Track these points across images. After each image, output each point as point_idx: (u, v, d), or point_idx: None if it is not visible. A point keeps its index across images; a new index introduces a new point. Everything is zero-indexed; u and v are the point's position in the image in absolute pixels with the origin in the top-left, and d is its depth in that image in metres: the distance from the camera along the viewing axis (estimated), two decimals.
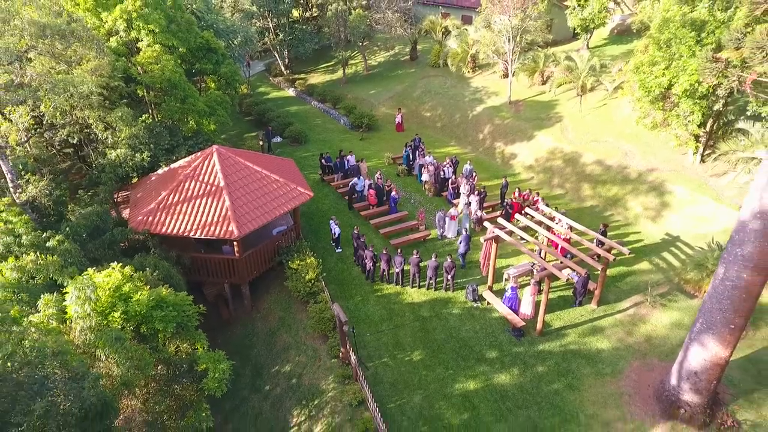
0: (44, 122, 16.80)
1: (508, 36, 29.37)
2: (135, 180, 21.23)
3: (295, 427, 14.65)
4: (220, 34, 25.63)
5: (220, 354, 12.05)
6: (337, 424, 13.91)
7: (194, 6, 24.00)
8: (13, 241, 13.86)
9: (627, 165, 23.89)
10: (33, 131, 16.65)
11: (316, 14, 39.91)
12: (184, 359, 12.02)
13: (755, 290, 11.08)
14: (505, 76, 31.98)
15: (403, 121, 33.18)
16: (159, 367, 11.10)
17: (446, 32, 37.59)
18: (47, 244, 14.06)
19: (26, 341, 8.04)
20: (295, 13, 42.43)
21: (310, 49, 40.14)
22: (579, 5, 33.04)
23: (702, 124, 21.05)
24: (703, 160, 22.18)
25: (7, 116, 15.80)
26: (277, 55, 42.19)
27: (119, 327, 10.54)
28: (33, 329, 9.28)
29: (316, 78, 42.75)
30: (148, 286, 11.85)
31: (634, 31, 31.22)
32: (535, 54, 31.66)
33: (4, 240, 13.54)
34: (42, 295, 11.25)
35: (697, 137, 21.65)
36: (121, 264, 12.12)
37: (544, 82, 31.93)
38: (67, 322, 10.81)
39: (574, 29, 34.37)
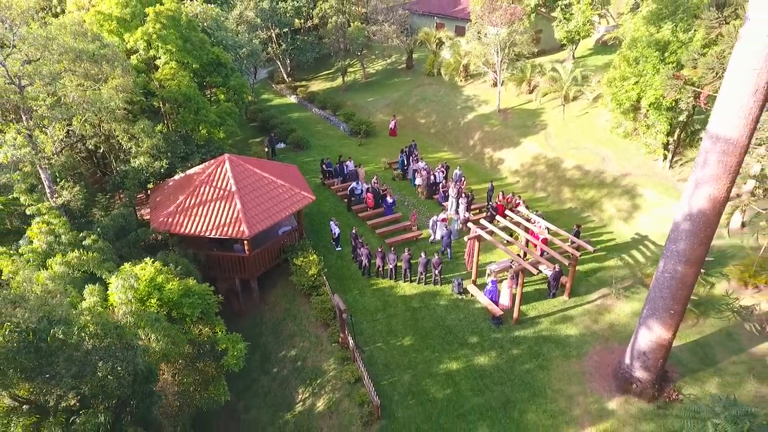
0: (75, 134, 18.79)
1: (496, 48, 31.45)
2: (150, 185, 23.29)
3: (300, 403, 16.74)
4: (228, 49, 27.69)
5: (237, 336, 14.15)
6: (337, 399, 15.99)
7: (205, 24, 26.05)
8: (54, 240, 15.91)
9: (604, 170, 25.98)
10: (65, 143, 18.66)
11: (317, 22, 41.86)
12: (206, 341, 14.08)
13: (689, 280, 13.14)
14: (495, 85, 34.05)
15: (396, 127, 35.23)
16: (186, 346, 13.14)
17: (440, 43, 39.67)
18: (83, 243, 16.10)
19: (88, 318, 10.06)
20: (297, 23, 44.45)
21: (311, 58, 42.23)
22: (565, 18, 35.20)
23: (670, 134, 23.15)
24: (671, 166, 24.26)
25: (43, 130, 17.84)
26: (279, 64, 44.27)
27: (155, 311, 12.59)
28: (86, 312, 11.33)
29: (317, 85, 44.84)
30: (177, 278, 13.93)
31: (609, 45, 33.31)
32: (522, 65, 33.72)
33: (48, 239, 15.57)
34: (86, 285, 13.32)
35: (665, 145, 23.74)
36: (152, 259, 14.19)
37: (531, 91, 34.00)
38: (110, 307, 12.88)
39: (561, 40, 36.45)
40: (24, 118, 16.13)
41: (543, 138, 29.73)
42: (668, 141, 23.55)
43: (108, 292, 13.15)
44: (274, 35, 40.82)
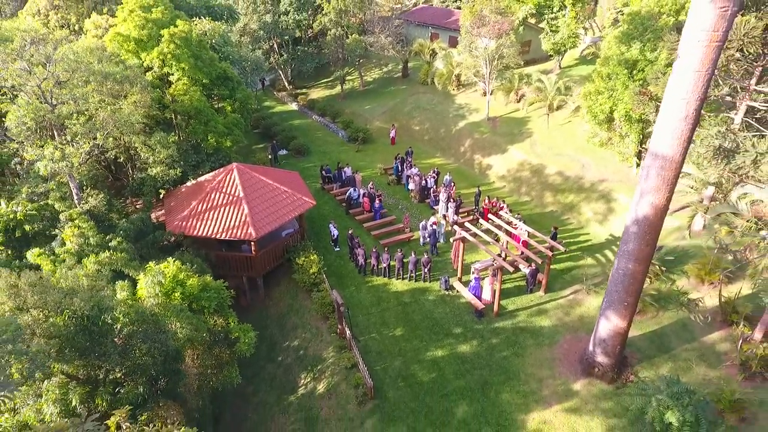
0: (98, 147, 20.78)
1: (485, 61, 33.49)
2: (162, 191, 25.25)
3: (303, 386, 18.79)
4: (234, 63, 29.72)
5: (248, 326, 16.21)
6: (335, 382, 18.05)
7: (213, 41, 28.06)
8: (84, 242, 17.95)
9: (583, 176, 28.04)
10: (89, 154, 20.66)
11: (317, 32, 43.76)
12: (221, 330, 16.11)
13: (639, 276, 15.19)
14: (485, 94, 36.09)
15: (396, 135, 37.20)
16: (204, 334, 15.16)
17: (433, 54, 41.72)
18: (110, 244, 18.16)
19: (127, 308, 12.08)
20: (297, 33, 46.47)
21: (311, 68, 44.28)
22: (551, 31, 37.26)
23: (641, 143, 25.21)
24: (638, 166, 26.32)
25: (71, 143, 19.86)
26: (281, 72, 46.32)
27: (179, 303, 14.61)
28: (122, 303, 13.37)
29: (317, 93, 46.90)
30: (196, 275, 15.98)
31: (588, 59, 35.38)
32: (510, 75, 35.76)
33: (79, 241, 17.61)
34: (117, 281, 15.35)
35: (638, 154, 25.79)
36: (173, 259, 16.24)
37: (518, 100, 36.07)
38: (139, 300, 14.91)
39: (548, 51, 38.50)
40: (56, 134, 18.12)
41: (528, 145, 31.79)
42: (640, 150, 25.60)
43: (136, 287, 15.20)
44: (275, 45, 42.85)
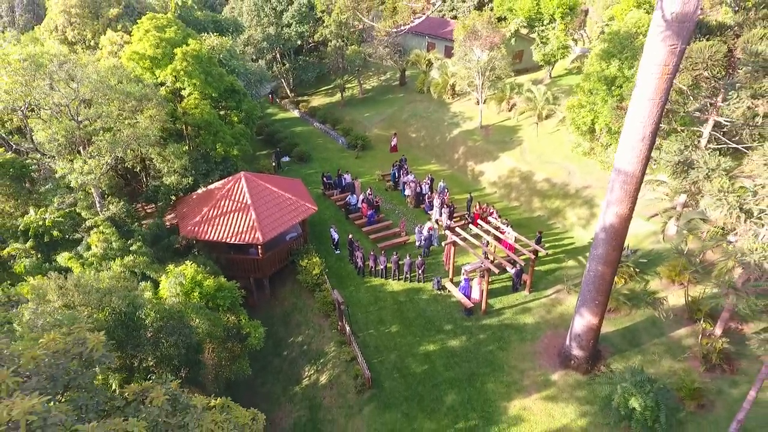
0: (118, 158, 22.55)
1: (478, 72, 35.27)
2: (173, 198, 26.97)
3: (307, 378, 20.58)
4: (240, 76, 31.51)
5: (257, 323, 17.99)
6: (336, 374, 19.84)
7: (221, 56, 29.83)
8: (108, 246, 19.74)
9: (569, 182, 29.82)
10: (109, 165, 22.43)
11: (318, 42, 45.50)
12: (233, 326, 17.89)
13: (608, 278, 16.97)
14: (478, 103, 37.87)
15: (397, 143, 38.90)
16: (220, 330, 16.93)
17: (429, 64, 43.52)
18: (131, 249, 19.95)
19: (155, 305, 13.86)
20: (299, 43, 48.26)
21: (312, 77, 46.07)
22: (542, 42, 39.05)
23: None
24: None
25: (95, 157, 21.62)
26: (283, 81, 48.12)
27: (197, 302, 16.39)
28: (148, 302, 15.15)
29: (318, 100, 48.68)
30: (212, 277, 17.77)
31: (574, 72, 37.15)
32: (502, 85, 37.54)
33: (103, 245, 19.39)
34: (141, 283, 17.14)
35: None
36: (190, 262, 18.02)
37: (510, 109, 37.86)
38: (161, 299, 16.69)
39: (539, 62, 40.28)
40: (82, 148, 19.89)
41: (518, 153, 33.57)
42: None
43: (158, 287, 16.98)
44: (278, 55, 44.66)
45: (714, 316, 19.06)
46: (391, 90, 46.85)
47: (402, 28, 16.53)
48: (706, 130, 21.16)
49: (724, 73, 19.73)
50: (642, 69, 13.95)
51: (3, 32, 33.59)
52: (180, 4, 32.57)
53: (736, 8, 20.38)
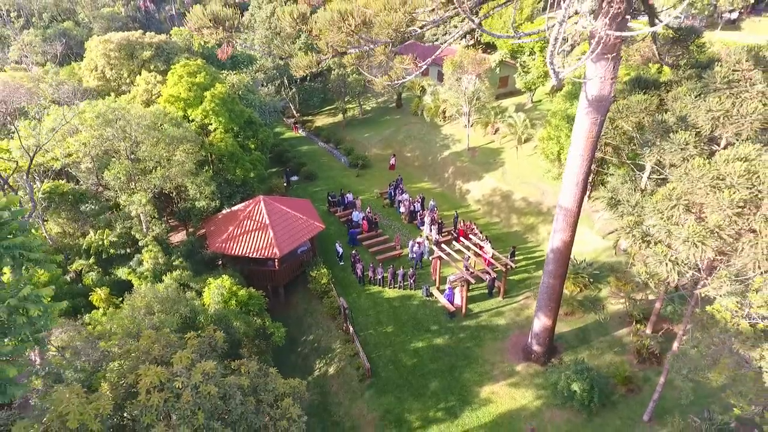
0: (158, 187, 27.02)
1: (465, 100, 39.77)
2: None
3: (317, 370, 25.08)
4: (255, 108, 36.02)
5: (279, 324, 22.49)
6: (342, 366, 24.34)
7: (240, 92, 34.31)
8: (156, 262, 24.22)
9: (542, 202, 34.33)
10: (152, 193, 26.90)
11: (323, 69, 49.98)
12: (260, 327, 22.38)
13: (557, 288, 21.45)
14: (466, 126, 42.37)
15: (395, 162, 43.40)
16: (252, 330, 21.39)
17: (423, 90, 48.04)
18: (174, 264, 24.44)
19: (207, 311, 18.33)
20: None
21: (317, 102, 50.61)
22: (524, 71, 43.59)
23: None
24: (589, 199, 32.63)
25: (146, 188, 26.04)
26: (291, 103, 52.62)
27: (235, 308, 20.85)
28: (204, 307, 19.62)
29: (321, 120, 53.19)
30: (243, 288, 22.28)
31: (551, 101, 41.61)
32: (487, 111, 42.04)
33: (153, 261, 23.88)
34: (186, 292, 21.60)
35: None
36: (226, 276, 22.51)
37: (494, 133, 42.38)
38: (205, 305, 21.17)
39: (521, 89, 44.80)
40: (134, 183, 24.37)
41: (500, 174, 38.09)
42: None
43: (201, 296, 21.46)
44: (286, 81, 49.21)
45: (647, 319, 23.58)
46: (388, 111, 51.36)
47: (396, 82, 20.99)
48: (648, 165, 25.68)
49: (657, 120, 24.26)
50: (574, 133, 18.49)
51: (45, 65, 37.96)
52: (203, 44, 36.98)
53: (672, 66, 25.00)
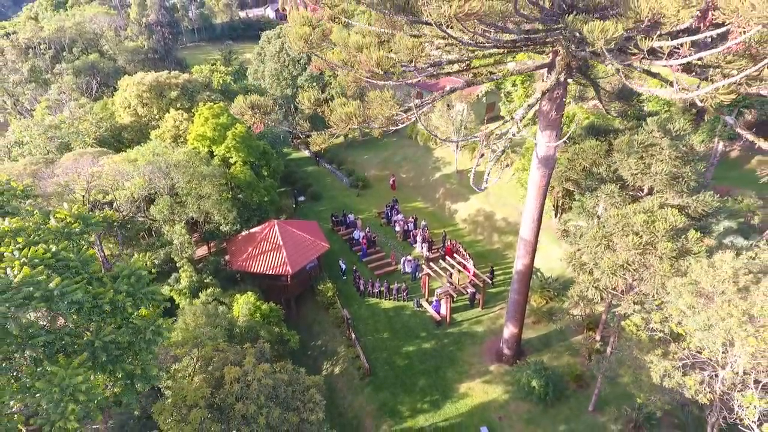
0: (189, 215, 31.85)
1: (454, 129, 44.60)
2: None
3: (325, 370, 29.94)
4: (268, 140, 40.89)
5: (293, 332, 27.36)
6: (345, 367, 29.21)
7: None
8: (191, 280, 29.07)
9: (519, 222, 39.02)
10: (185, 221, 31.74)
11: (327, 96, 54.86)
12: (277, 334, 27.22)
13: (522, 302, 26.27)
14: (454, 151, 47.21)
15: (395, 182, 48.22)
16: (273, 338, 26.20)
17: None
18: (205, 281, 29.30)
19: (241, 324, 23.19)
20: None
21: (321, 127, 55.39)
22: (507, 101, 48.49)
23: (555, 202, 36.36)
24: (559, 220, 37.46)
25: (183, 218, 30.83)
26: (297, 127, 57.40)
27: (259, 320, 25.66)
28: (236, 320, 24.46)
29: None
30: (265, 303, 27.13)
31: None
32: (473, 138, 46.79)
33: (189, 279, 28.72)
34: (220, 308, 26.43)
35: (555, 208, 36.95)
36: (250, 292, 27.37)
37: (480, 157, 47.12)
38: (233, 318, 26.00)
39: (505, 117, 49.65)
40: (174, 215, 29.33)
41: (484, 196, 42.93)
42: (556, 205, 36.76)
43: (230, 309, 26.32)
44: (293, 108, 54.09)
45: (597, 327, 28.44)
46: (386, 134, 56.20)
47: (389, 129, 25.85)
48: (600, 204, 30.49)
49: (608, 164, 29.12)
50: (529, 183, 23.34)
51: (79, 100, 42.80)
52: (222, 82, 41.79)
53: (621, 117, 29.89)
